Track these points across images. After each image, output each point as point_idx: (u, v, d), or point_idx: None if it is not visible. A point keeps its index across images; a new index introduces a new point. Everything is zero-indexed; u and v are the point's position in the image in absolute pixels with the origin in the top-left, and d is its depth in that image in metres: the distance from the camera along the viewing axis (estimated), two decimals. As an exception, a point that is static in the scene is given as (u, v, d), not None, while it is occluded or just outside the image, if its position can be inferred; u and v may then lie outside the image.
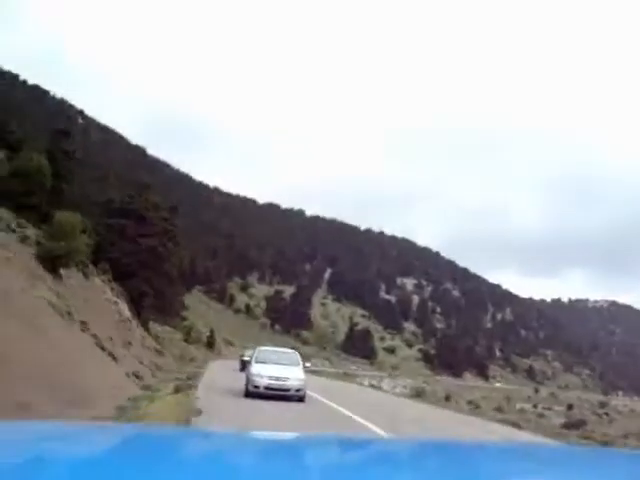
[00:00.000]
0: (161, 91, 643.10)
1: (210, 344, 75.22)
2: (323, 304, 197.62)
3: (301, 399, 19.07)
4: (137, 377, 18.80)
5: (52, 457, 1.52)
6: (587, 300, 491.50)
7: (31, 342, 11.59)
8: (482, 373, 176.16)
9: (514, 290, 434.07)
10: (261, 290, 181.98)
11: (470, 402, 38.12)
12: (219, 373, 35.04)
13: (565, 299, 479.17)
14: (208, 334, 78.05)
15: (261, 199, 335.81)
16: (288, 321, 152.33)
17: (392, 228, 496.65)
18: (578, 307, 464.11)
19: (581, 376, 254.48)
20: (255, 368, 19.54)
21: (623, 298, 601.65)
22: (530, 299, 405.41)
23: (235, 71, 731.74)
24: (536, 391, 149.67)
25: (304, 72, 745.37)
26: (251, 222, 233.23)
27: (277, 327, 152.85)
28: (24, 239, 21.94)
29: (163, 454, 1.77)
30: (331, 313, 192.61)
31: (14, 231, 21.73)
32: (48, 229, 23.01)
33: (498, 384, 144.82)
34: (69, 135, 42.61)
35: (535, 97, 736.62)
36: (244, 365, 34.41)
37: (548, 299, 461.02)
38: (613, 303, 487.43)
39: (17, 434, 1.84)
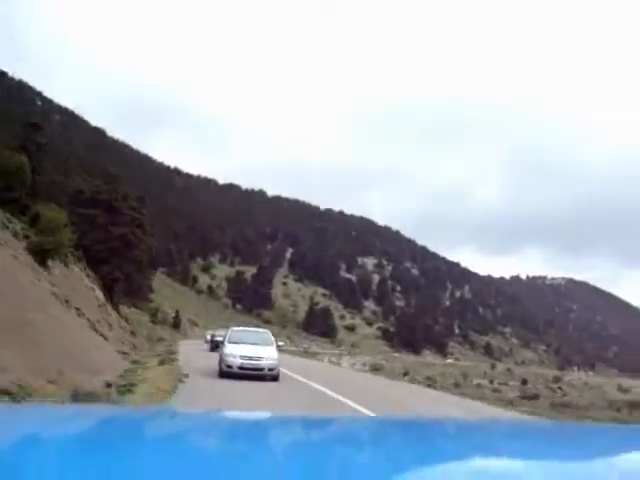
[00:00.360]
0: (118, 71, 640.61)
1: (176, 325, 78.14)
2: (284, 284, 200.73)
3: (275, 378, 19.44)
4: (124, 354, 21.83)
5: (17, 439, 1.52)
6: (545, 277, 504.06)
7: (51, 327, 14.56)
8: (441, 350, 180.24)
9: (473, 268, 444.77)
10: (222, 271, 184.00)
11: (428, 378, 41.14)
12: (192, 350, 38.17)
13: (523, 276, 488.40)
14: (174, 315, 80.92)
15: (222, 179, 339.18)
16: (250, 301, 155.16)
17: (353, 208, 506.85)
18: (536, 284, 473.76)
19: (538, 352, 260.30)
20: (228, 348, 19.87)
21: (579, 275, 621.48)
22: (489, 277, 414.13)
23: (195, 51, 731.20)
24: (492, 367, 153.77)
25: (263, 53, 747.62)
26: (212, 203, 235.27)
27: (239, 307, 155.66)
28: (15, 234, 24.64)
29: (138, 435, 1.80)
30: (292, 292, 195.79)
31: (7, 227, 24.35)
32: (37, 225, 25.83)
33: (450, 360, 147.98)
34: (41, 128, 45.15)
35: (497, 78, 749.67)
36: (216, 345, 36.04)
37: (507, 276, 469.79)
38: (570, 280, 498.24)
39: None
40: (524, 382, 79.35)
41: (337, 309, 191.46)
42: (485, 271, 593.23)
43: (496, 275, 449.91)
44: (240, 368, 18.88)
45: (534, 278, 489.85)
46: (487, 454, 1.77)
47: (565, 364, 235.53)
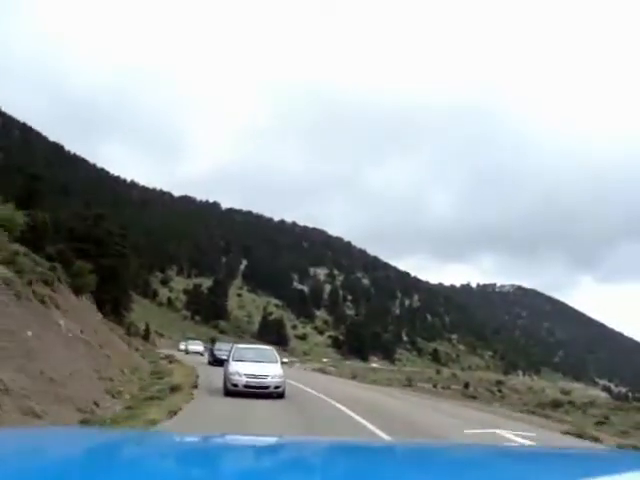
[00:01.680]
0: (66, 82, 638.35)
1: (146, 336, 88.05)
2: (239, 295, 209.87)
3: (280, 395, 19.75)
4: (141, 357, 32.64)
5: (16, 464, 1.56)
6: (494, 285, 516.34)
7: (113, 345, 25.39)
8: (388, 357, 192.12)
9: (424, 277, 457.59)
10: (180, 283, 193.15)
11: (374, 381, 49.59)
12: (181, 356, 48.76)
13: (474, 284, 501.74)
14: (144, 328, 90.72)
15: (177, 192, 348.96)
16: (207, 312, 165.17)
17: (305, 219, 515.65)
18: (486, 292, 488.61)
19: (484, 358, 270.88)
20: (233, 366, 20.21)
21: (528, 282, 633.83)
22: (440, 284, 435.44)
23: (145, 60, 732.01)
24: (438, 372, 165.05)
25: (212, 61, 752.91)
26: (168, 216, 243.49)
27: (197, 318, 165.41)
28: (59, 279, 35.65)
29: (131, 459, 1.85)
30: (247, 303, 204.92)
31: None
32: (70, 270, 36.58)
33: (375, 364, 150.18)
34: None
35: (450, 87, 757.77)
36: (215, 359, 39.98)
37: (457, 284, 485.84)
38: (519, 287, 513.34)
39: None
40: (466, 385, 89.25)
41: (289, 319, 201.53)
42: (436, 279, 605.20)
43: (447, 283, 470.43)
44: (246, 387, 19.38)
45: (484, 286, 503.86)
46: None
47: (510, 369, 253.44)
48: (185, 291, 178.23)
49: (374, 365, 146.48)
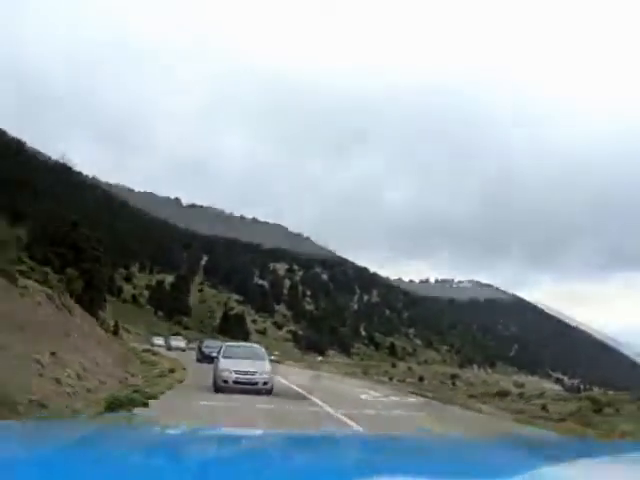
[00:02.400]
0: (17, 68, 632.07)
1: (115, 332, 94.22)
2: (200, 290, 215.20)
3: (269, 392, 20.70)
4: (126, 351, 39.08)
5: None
6: (452, 280, 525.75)
7: (107, 341, 31.76)
8: (345, 351, 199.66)
9: (384, 273, 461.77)
10: (142, 279, 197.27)
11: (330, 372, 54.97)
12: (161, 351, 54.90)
13: (432, 280, 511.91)
14: (113, 324, 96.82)
15: (138, 187, 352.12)
16: (170, 308, 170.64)
17: (265, 215, 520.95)
18: (444, 287, 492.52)
19: (441, 352, 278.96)
20: (223, 363, 21.20)
21: (485, 277, 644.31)
22: (399, 280, 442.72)
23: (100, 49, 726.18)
24: (393, 366, 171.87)
25: (170, 52, 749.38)
26: (130, 212, 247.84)
27: (160, 314, 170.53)
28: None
29: (124, 452, 1.89)
30: (208, 299, 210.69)
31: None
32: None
33: (320, 358, 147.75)
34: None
35: (408, 78, 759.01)
36: (204, 356, 41.76)
37: (416, 280, 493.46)
38: (477, 283, 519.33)
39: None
40: (421, 379, 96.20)
41: (250, 314, 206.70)
42: (396, 275, 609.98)
43: (406, 279, 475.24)
44: (235, 382, 20.51)
45: (443, 281, 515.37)
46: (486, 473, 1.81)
47: (466, 363, 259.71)
48: (148, 287, 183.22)
49: (320, 358, 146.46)
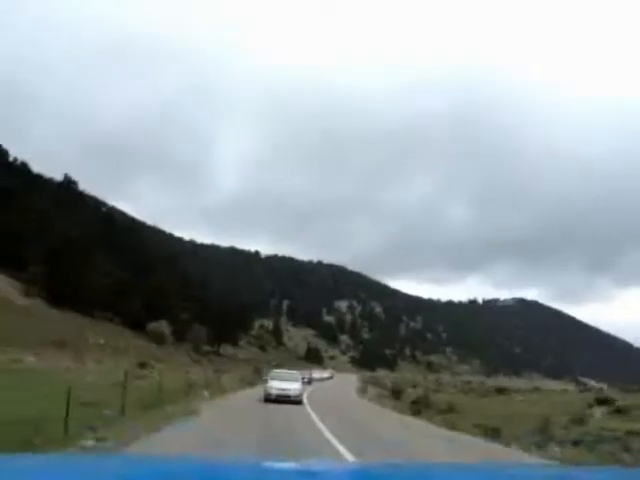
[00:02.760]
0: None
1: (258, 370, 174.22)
2: (287, 330, 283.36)
3: (299, 402, 31.71)
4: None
5: None
6: (498, 300, 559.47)
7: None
8: (390, 367, 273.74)
9: (435, 295, 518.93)
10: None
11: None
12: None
13: (480, 300, 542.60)
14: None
15: (224, 243, 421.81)
16: (272, 347, 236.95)
17: (325, 255, 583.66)
18: (489, 306, 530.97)
19: (472, 365, 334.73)
20: (270, 383, 33.15)
21: (531, 294, 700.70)
22: (449, 302, 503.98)
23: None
24: (425, 377, 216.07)
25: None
26: (217, 267, 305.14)
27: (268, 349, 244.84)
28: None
29: None
30: (293, 336, 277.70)
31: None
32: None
33: (369, 373, 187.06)
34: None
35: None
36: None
37: (465, 300, 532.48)
38: (520, 300, 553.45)
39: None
40: (439, 384, 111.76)
41: (322, 344, 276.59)
42: (446, 295, 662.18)
43: (456, 299, 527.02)
44: (277, 396, 31.63)
45: (489, 301, 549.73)
46: None
47: (492, 372, 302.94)
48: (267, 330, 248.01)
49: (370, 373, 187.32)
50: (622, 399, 39.92)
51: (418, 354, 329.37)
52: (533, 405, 42.14)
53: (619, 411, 32.42)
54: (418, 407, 37.22)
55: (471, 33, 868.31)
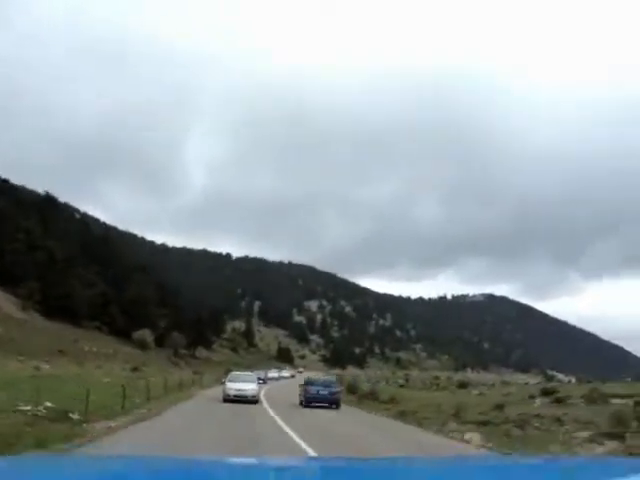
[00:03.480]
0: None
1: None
2: (259, 331, 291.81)
3: (255, 402, 33.89)
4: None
5: None
6: (467, 295, 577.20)
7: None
8: (359, 365, 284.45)
9: (406, 292, 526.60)
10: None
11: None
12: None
13: (449, 295, 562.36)
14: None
15: (196, 246, 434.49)
16: (243, 347, 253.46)
17: (291, 254, 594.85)
18: (458, 302, 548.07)
19: (441, 360, 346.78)
20: (228, 385, 35.00)
21: (500, 290, 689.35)
22: (420, 299, 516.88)
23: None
24: (393, 373, 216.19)
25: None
26: (191, 271, 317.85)
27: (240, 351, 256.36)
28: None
29: None
30: (264, 336, 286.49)
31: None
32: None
33: (301, 369, 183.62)
34: None
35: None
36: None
37: (435, 296, 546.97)
38: (489, 296, 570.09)
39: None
40: (407, 380, 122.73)
41: (292, 344, 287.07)
42: (416, 292, 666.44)
43: (426, 296, 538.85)
44: (234, 396, 33.87)
45: (458, 297, 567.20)
46: None
47: (460, 367, 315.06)
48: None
49: (300, 369, 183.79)
50: (570, 390, 43.34)
51: (387, 351, 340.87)
52: (482, 397, 48.44)
53: (558, 400, 35.50)
54: (364, 399, 45.34)
55: (444, 31, 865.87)
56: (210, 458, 3.31)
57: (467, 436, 22.36)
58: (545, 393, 41.64)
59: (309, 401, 36.04)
